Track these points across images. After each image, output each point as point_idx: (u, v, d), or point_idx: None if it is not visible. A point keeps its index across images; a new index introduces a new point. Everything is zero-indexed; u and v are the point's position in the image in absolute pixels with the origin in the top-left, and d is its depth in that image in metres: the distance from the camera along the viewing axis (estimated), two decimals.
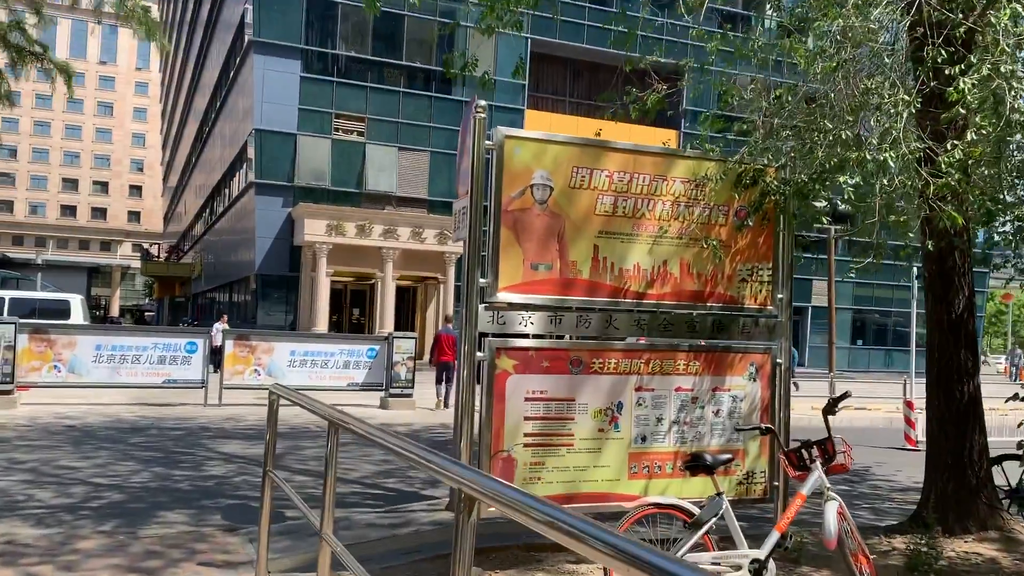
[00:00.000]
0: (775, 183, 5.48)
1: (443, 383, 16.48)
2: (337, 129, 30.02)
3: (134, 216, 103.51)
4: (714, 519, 4.16)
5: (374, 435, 3.10)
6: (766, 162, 5.53)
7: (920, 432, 14.20)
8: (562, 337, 5.47)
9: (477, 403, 5.02)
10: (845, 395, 4.85)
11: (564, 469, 5.05)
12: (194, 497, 7.51)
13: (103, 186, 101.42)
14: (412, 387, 15.82)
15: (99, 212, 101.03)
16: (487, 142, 5.01)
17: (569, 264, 5.11)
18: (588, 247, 5.17)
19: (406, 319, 31.70)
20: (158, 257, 66.29)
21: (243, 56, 31.86)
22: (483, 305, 4.90)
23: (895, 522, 6.63)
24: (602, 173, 5.20)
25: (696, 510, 4.22)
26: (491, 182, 5.02)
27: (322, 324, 27.90)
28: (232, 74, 35.86)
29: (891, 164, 5.05)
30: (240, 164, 33.99)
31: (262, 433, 12.63)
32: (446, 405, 16.27)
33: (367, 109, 30.25)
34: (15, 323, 13.70)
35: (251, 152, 29.93)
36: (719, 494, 4.28)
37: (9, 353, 13.34)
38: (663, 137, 35.16)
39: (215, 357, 16.23)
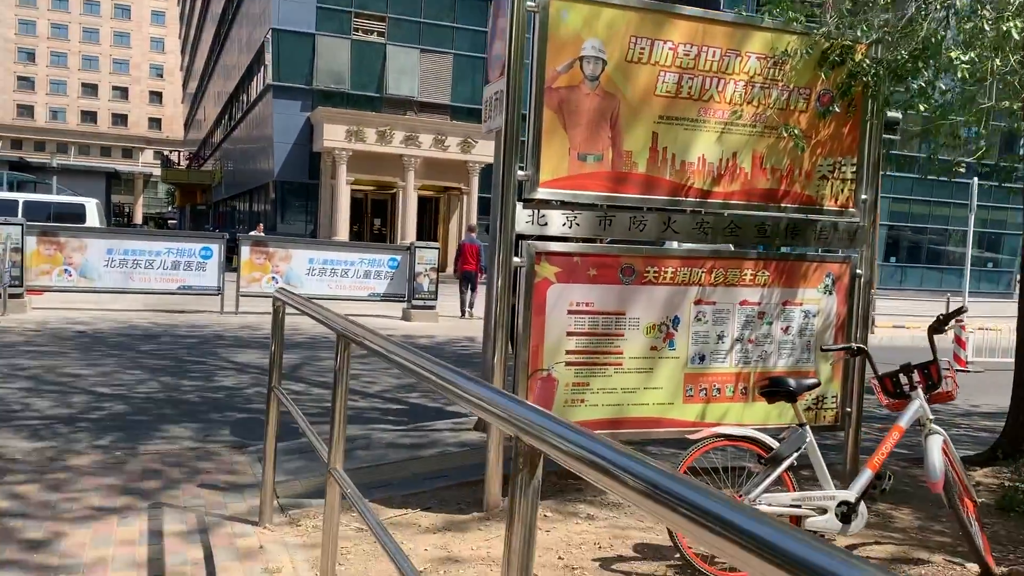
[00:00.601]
0: (866, 62, 4.62)
1: (467, 292, 16.52)
2: (357, 29, 28.75)
3: (155, 123, 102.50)
4: (795, 454, 3.51)
5: (394, 353, 2.44)
6: (858, 35, 4.67)
7: (971, 352, 13.50)
8: (612, 241, 4.74)
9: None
10: (960, 310, 4.12)
11: (611, 391, 4.40)
12: (202, 410, 6.99)
13: (123, 92, 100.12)
14: (435, 299, 15.24)
15: (120, 119, 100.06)
16: (528, 3, 4.18)
17: (623, 155, 4.34)
18: (646, 135, 4.38)
19: (428, 230, 31.02)
20: (178, 164, 65.63)
21: None
22: (521, 203, 4.17)
23: (971, 452, 5.99)
24: (665, 45, 4.37)
25: (773, 443, 3.57)
26: (532, 54, 4.21)
27: (343, 233, 27.30)
28: None
29: (1015, 35, 4.19)
30: (257, 67, 32.88)
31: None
32: (470, 314, 16.36)
33: (388, 7, 28.89)
34: (22, 224, 13.16)
35: (268, 54, 28.81)
36: (801, 425, 3.61)
37: (17, 256, 12.84)
38: None
39: None
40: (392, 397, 8.25)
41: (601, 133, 4.29)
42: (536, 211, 4.22)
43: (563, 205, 4.30)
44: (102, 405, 6.95)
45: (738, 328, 4.65)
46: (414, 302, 15.11)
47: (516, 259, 4.17)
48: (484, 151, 28.27)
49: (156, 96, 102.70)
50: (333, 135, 26.52)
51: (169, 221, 71.42)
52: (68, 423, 6.27)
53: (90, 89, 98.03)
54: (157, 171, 77.75)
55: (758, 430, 3.74)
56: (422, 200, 29.19)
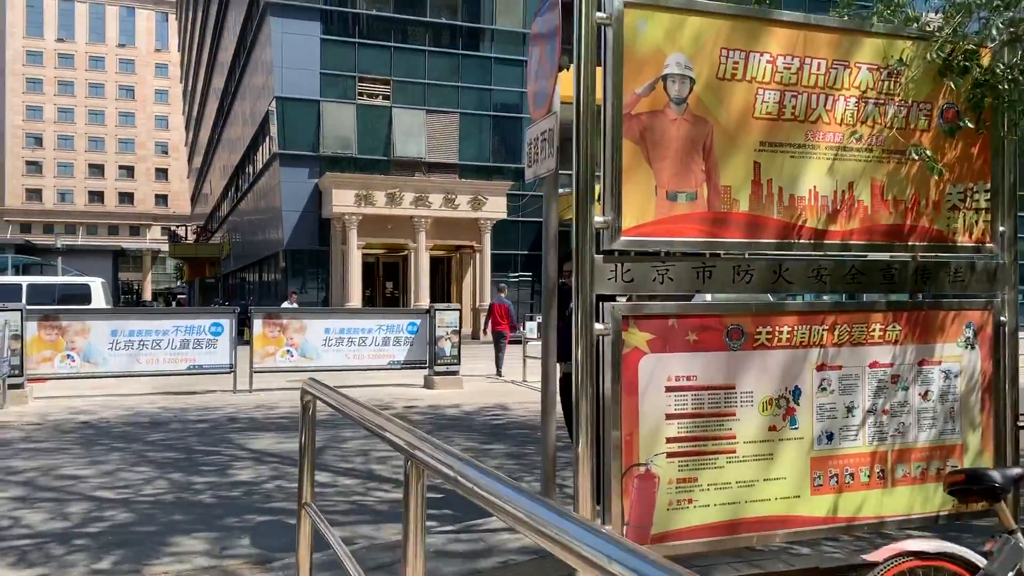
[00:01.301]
0: (998, 67, 3.84)
1: (501, 352, 16.95)
2: (362, 94, 28.48)
3: (161, 199, 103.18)
4: (1011, 574, 2.62)
5: (480, 488, 1.63)
6: (979, 39, 3.90)
7: None
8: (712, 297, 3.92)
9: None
10: None
11: (724, 486, 3.52)
12: (217, 514, 6.11)
13: (129, 170, 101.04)
14: (458, 363, 14.39)
15: (126, 197, 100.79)
16: (599, 14, 3.42)
17: (720, 191, 3.54)
18: (746, 166, 3.59)
19: (442, 290, 30.30)
20: (186, 239, 65.54)
21: (260, 20, 30.35)
22: (600, 255, 3.36)
23: None
24: (762, 58, 3.60)
25: (978, 559, 2.69)
26: (606, 76, 3.45)
27: (355, 299, 26.58)
28: (250, 41, 34.38)
29: None
30: (263, 136, 32.62)
31: (297, 423, 11.25)
32: (499, 374, 16.70)
33: (392, 71, 28.66)
34: (22, 310, 12.44)
35: (273, 122, 28.51)
36: (1011, 532, 2.73)
37: (17, 343, 12.08)
38: None
39: None
40: (432, 485, 7.32)
41: (693, 166, 3.50)
42: (619, 265, 3.41)
43: (652, 256, 3.49)
44: (103, 515, 6.07)
45: (870, 397, 3.79)
46: (436, 368, 14.26)
47: (598, 325, 3.34)
48: (495, 207, 27.72)
49: (162, 173, 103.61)
50: (342, 200, 26.01)
51: (179, 296, 71.07)
52: (63, 541, 5.40)
53: (97, 170, 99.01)
54: (165, 247, 77.78)
55: (953, 542, 2.85)
56: (434, 260, 28.56)
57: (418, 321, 14.63)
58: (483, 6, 29.47)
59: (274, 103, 27.77)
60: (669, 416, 3.45)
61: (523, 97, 30.15)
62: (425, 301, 26.93)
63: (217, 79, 51.39)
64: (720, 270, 3.55)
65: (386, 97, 28.67)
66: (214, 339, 13.56)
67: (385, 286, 30.50)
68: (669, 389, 3.45)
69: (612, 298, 3.43)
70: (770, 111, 3.62)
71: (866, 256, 3.81)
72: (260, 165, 33.49)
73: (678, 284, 3.50)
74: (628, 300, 3.51)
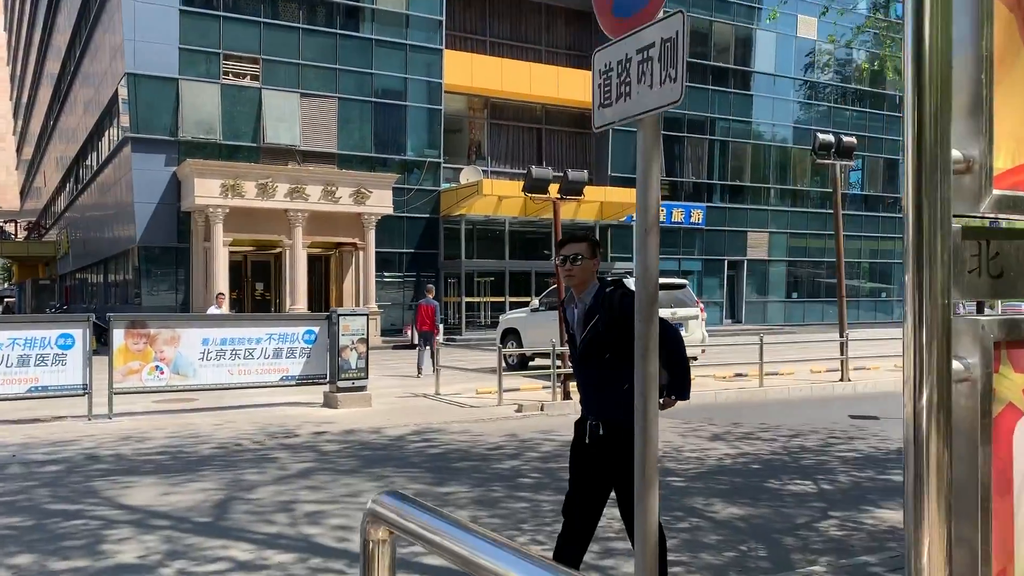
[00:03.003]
0: None
1: (424, 352, 16.64)
2: (227, 73, 25.60)
3: None
4: None
5: None
6: None
7: None
8: None
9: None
10: None
11: None
12: None
13: None
14: (366, 377, 12.39)
15: None
16: None
17: None
18: None
19: (320, 292, 27.84)
20: (15, 236, 59.03)
21: None
22: (958, 223, 1.68)
23: None
24: None
25: None
26: None
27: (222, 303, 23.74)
28: (94, 13, 30.59)
29: None
30: (110, 120, 29.01)
31: (181, 460, 8.55)
32: (419, 374, 16.42)
33: (262, 49, 25.94)
34: None
35: (124, 102, 25.18)
36: None
37: None
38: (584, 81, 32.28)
39: None
40: None
41: None
42: (984, 245, 1.73)
43: None
44: None
45: None
46: (340, 383, 12.20)
47: (957, 364, 1.65)
48: (380, 201, 25.60)
49: None
50: (206, 190, 23.15)
51: (6, 300, 63.94)
52: None
53: None
54: None
55: None
56: (310, 259, 26.05)
57: (316, 328, 12.52)
58: None
59: (125, 81, 24.48)
60: None
61: (407, 83, 28.17)
62: (302, 304, 24.49)
63: (52, 63, 46.27)
64: None
65: (255, 77, 25.91)
66: (62, 354, 10.97)
67: (255, 288, 27.69)
68: None
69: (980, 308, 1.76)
70: None
71: None
72: (107, 152, 29.81)
73: None
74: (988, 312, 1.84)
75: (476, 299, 29.19)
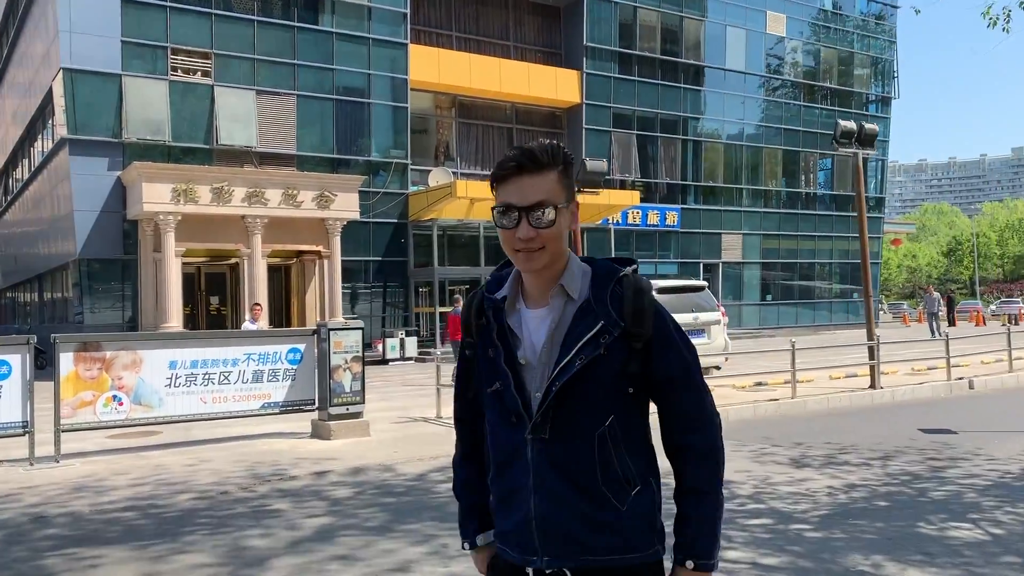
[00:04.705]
0: None
1: None
2: (175, 68, 23.46)
3: None
4: None
5: None
6: None
7: None
8: None
9: None
10: None
11: None
12: None
13: None
14: (362, 401, 10.62)
15: None
16: None
17: None
18: None
19: (281, 305, 25.78)
20: None
21: None
22: None
23: None
24: None
25: None
26: None
27: (175, 319, 21.63)
28: (23, 6, 28.12)
29: None
30: (43, 121, 26.59)
31: (155, 518, 6.28)
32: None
33: (212, 43, 23.88)
34: None
35: (59, 100, 22.87)
36: None
37: None
38: (564, 77, 30.94)
39: None
40: None
41: None
42: None
43: None
44: None
45: None
46: (332, 410, 10.41)
47: None
48: (345, 205, 23.69)
49: None
50: (154, 196, 20.99)
51: None
52: None
53: None
54: None
55: None
56: (269, 269, 24.00)
57: (302, 346, 10.72)
58: None
59: (60, 76, 22.19)
60: None
61: (370, 80, 26.35)
62: (263, 321, 22.42)
63: None
64: None
65: (206, 73, 23.79)
66: None
67: (209, 301, 25.45)
68: None
69: None
70: None
71: None
72: (39, 158, 27.33)
73: None
74: None
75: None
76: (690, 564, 1.81)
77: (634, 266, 1.93)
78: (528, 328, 1.88)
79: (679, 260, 33.37)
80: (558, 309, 1.86)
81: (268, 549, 5.66)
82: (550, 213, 1.81)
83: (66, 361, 9.33)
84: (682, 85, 33.68)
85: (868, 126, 14.87)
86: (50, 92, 24.20)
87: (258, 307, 16.60)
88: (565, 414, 1.81)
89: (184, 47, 23.47)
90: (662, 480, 1.90)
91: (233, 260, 24.25)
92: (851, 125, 14.73)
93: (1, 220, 38.16)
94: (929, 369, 16.21)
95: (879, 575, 4.82)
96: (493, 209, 1.84)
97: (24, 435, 9.01)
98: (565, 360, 1.79)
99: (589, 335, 1.80)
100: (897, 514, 6.16)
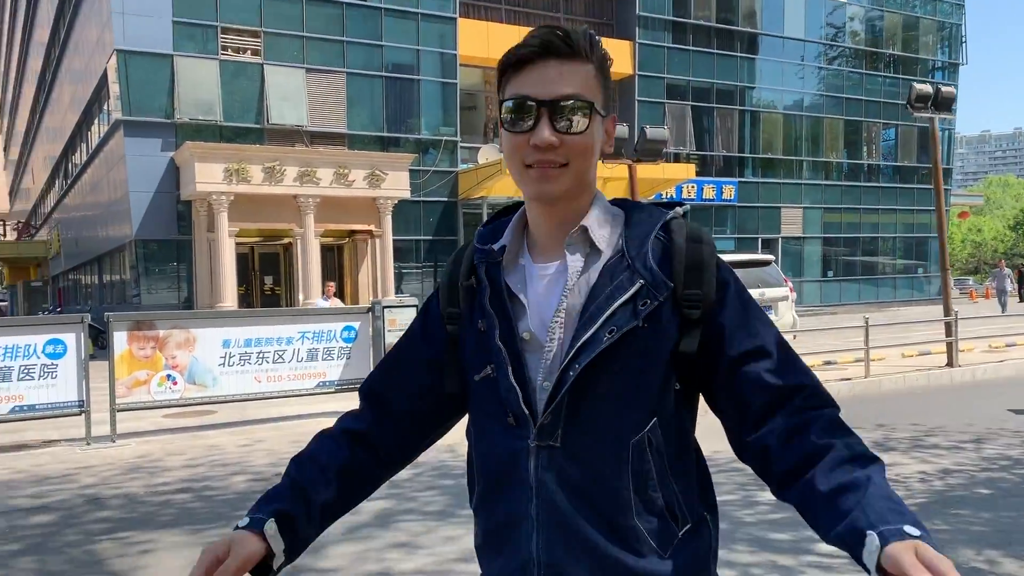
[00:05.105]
0: None
1: None
2: (226, 47, 23.41)
3: None
4: None
5: None
6: None
7: None
8: None
9: None
10: None
11: None
12: None
13: None
14: None
15: None
16: None
17: None
18: None
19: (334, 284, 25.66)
20: (4, 236, 56.85)
21: None
22: None
23: None
24: None
25: None
26: None
27: (230, 299, 21.68)
28: None
29: None
30: (99, 105, 26.83)
31: (210, 501, 5.95)
32: None
33: (262, 21, 23.75)
34: None
35: (114, 83, 23.00)
36: None
37: None
38: (616, 48, 30.18)
39: None
40: None
41: None
42: None
43: None
44: None
45: None
46: None
47: None
48: (396, 184, 23.46)
49: None
50: (207, 176, 21.00)
51: None
52: None
53: None
54: None
55: None
56: (322, 249, 23.92)
57: (357, 324, 10.47)
58: None
59: (114, 58, 22.28)
60: None
61: (419, 56, 26.00)
62: (317, 298, 22.36)
63: (34, 60, 44.02)
64: None
65: (256, 52, 23.71)
66: (52, 364, 8.90)
67: (263, 281, 25.53)
68: None
69: None
70: None
71: None
72: (96, 141, 27.62)
73: None
74: None
75: None
76: (913, 531, 1.03)
77: (685, 207, 1.39)
78: (535, 290, 1.33)
79: (736, 236, 32.50)
80: (578, 263, 1.31)
81: (324, 535, 5.37)
82: (582, 116, 1.26)
83: (120, 340, 9.21)
84: (738, 54, 32.68)
85: (944, 88, 14.05)
86: (104, 76, 24.36)
87: (331, 285, 16.44)
88: (586, 413, 1.26)
89: (234, 26, 23.37)
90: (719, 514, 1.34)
91: (286, 240, 24.23)
92: (927, 88, 13.90)
93: (61, 204, 38.94)
94: (1008, 346, 15.40)
95: (997, 573, 4.33)
96: (501, 105, 1.30)
97: (80, 414, 8.91)
98: (587, 335, 1.24)
99: (622, 299, 1.26)
100: (1004, 503, 5.64)
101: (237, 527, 1.27)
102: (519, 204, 1.43)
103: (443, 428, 1.53)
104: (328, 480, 1.41)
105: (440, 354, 1.43)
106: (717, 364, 1.29)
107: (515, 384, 1.28)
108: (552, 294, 1.31)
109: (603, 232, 1.32)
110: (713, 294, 1.29)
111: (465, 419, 1.47)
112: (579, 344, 1.25)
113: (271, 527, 1.27)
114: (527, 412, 1.27)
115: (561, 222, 1.33)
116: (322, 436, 1.48)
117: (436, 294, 1.50)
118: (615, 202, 1.40)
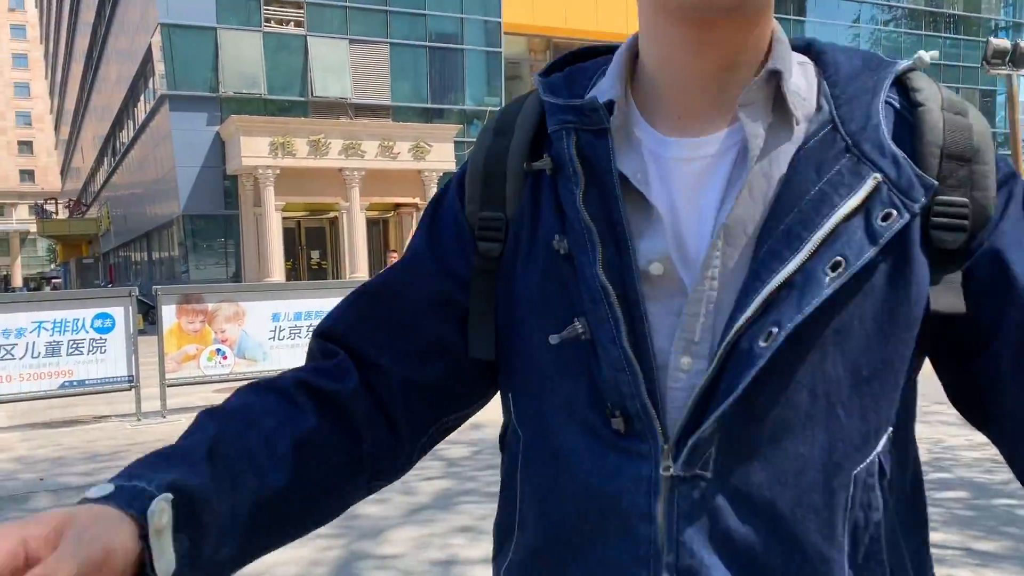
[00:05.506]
0: None
1: None
2: (269, 19, 23.21)
3: (27, 175, 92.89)
4: None
5: None
6: None
7: None
8: None
9: None
10: None
11: None
12: None
13: None
14: None
15: None
16: None
17: None
18: None
19: (378, 259, 25.57)
20: (57, 215, 57.92)
21: None
22: None
23: None
24: None
25: None
26: None
27: (277, 273, 21.64)
28: None
29: None
30: (145, 80, 26.87)
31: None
32: None
33: None
34: None
35: (159, 57, 22.94)
36: None
37: None
38: None
39: None
40: None
41: None
42: None
43: None
44: None
45: None
46: None
47: None
48: (441, 156, 23.15)
49: (26, 146, 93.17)
50: (253, 150, 20.90)
51: (53, 280, 63.06)
52: None
53: None
54: (34, 227, 69.09)
55: None
56: (368, 223, 23.75)
57: None
58: None
59: (159, 32, 22.22)
60: None
61: (463, 24, 25.51)
62: (363, 273, 22.23)
63: (81, 40, 44.40)
64: None
65: (299, 23, 23.48)
66: (100, 339, 8.76)
67: (310, 256, 25.48)
68: None
69: None
70: None
71: None
72: (142, 118, 27.72)
73: None
74: None
75: None
76: None
77: (910, 62, 0.79)
78: (672, 186, 0.76)
79: None
80: (760, 139, 0.72)
81: (383, 518, 5.08)
82: None
83: (168, 313, 9.02)
84: (789, 17, 31.58)
85: (1023, 43, 13.21)
86: (149, 53, 24.33)
87: (394, 254, 16.23)
88: (771, 420, 0.71)
89: None
90: None
91: (332, 214, 24.11)
92: (1004, 43, 13.09)
93: (110, 182, 39.39)
94: None
95: None
96: None
97: (130, 389, 8.77)
98: (787, 270, 0.69)
99: (846, 206, 0.70)
100: None
101: (86, 499, 0.62)
102: (603, 47, 0.87)
103: (458, 415, 0.92)
104: (275, 458, 0.74)
105: (461, 291, 0.85)
106: (999, 330, 0.72)
107: (633, 358, 0.72)
108: (705, 195, 0.74)
109: (800, 85, 0.76)
110: (992, 204, 0.74)
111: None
112: (770, 288, 0.68)
113: (159, 510, 0.61)
114: (653, 413, 0.72)
115: (723, 65, 0.75)
116: (257, 388, 0.81)
117: (453, 187, 0.89)
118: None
